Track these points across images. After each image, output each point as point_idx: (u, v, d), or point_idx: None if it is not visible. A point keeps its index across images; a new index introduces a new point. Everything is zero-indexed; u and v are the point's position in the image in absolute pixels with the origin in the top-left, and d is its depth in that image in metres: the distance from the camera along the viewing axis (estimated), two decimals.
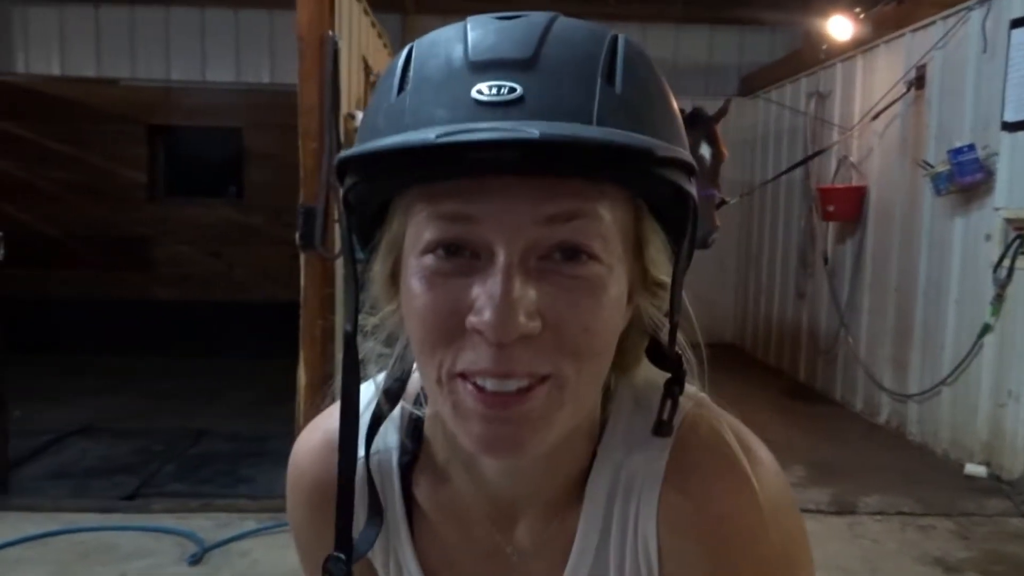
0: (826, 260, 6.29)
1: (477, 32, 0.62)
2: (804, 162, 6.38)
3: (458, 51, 0.60)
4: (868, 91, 5.79)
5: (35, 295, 7.13)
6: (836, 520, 3.89)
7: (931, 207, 4.97)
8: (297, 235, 3.57)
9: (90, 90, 7.69)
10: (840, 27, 5.98)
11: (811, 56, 6.64)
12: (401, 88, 0.62)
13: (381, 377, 0.75)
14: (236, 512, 3.71)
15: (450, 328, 0.59)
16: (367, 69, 4.73)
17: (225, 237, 7.86)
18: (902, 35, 5.34)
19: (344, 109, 3.90)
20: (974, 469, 4.40)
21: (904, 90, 5.22)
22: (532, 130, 0.53)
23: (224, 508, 3.74)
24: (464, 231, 0.59)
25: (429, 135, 0.54)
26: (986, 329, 4.39)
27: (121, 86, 7.80)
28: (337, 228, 3.75)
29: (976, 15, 4.55)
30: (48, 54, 8.00)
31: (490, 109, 0.57)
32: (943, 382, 4.77)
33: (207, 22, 8.00)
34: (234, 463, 4.46)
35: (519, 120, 0.55)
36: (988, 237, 4.44)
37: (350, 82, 4.17)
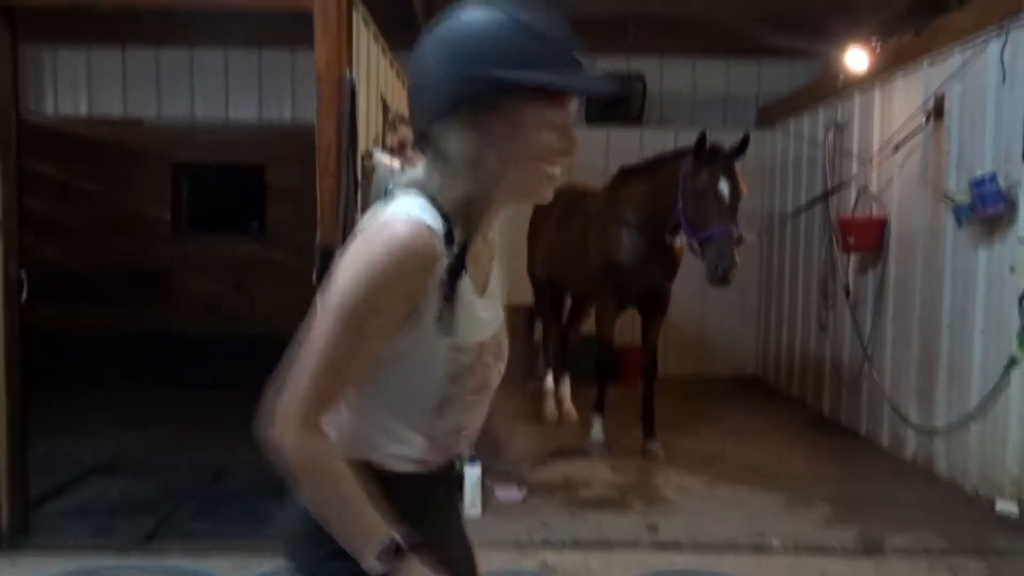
0: (848, 292, 6.23)
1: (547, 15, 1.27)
2: (822, 198, 6.35)
3: (557, 28, 1.25)
4: (886, 121, 5.77)
5: (61, 329, 7.23)
6: (863, 561, 3.81)
7: (953, 238, 4.91)
8: (315, 275, 3.59)
9: (116, 130, 7.86)
10: (857, 59, 5.98)
11: (828, 87, 6.64)
12: (536, 37, 1.23)
13: (417, 197, 1.29)
14: (253, 552, 3.69)
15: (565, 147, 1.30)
16: (385, 107, 4.79)
17: (247, 271, 7.93)
18: (919, 66, 5.33)
19: (362, 148, 3.94)
20: (1005, 506, 4.30)
21: (923, 120, 5.19)
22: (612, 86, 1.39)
23: (242, 548, 3.74)
24: (567, 122, 1.28)
25: (591, 81, 1.31)
26: (1012, 362, 4.31)
27: (146, 125, 7.97)
28: None
29: (994, 46, 4.53)
30: (76, 95, 8.19)
31: (582, 68, 1.26)
32: (971, 416, 4.68)
33: (230, 62, 8.16)
34: (253, 501, 4.45)
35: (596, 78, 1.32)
36: (1012, 269, 4.37)
37: (368, 121, 4.22)
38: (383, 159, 4.18)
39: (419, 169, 1.35)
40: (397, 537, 1.23)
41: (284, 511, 1.38)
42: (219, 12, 5.71)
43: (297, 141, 6.13)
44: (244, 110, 8.17)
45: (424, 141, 1.30)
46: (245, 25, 6.48)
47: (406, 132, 4.93)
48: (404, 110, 5.29)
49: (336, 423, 1.32)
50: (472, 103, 1.22)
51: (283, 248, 7.59)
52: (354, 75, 3.76)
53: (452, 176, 1.28)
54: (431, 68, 1.25)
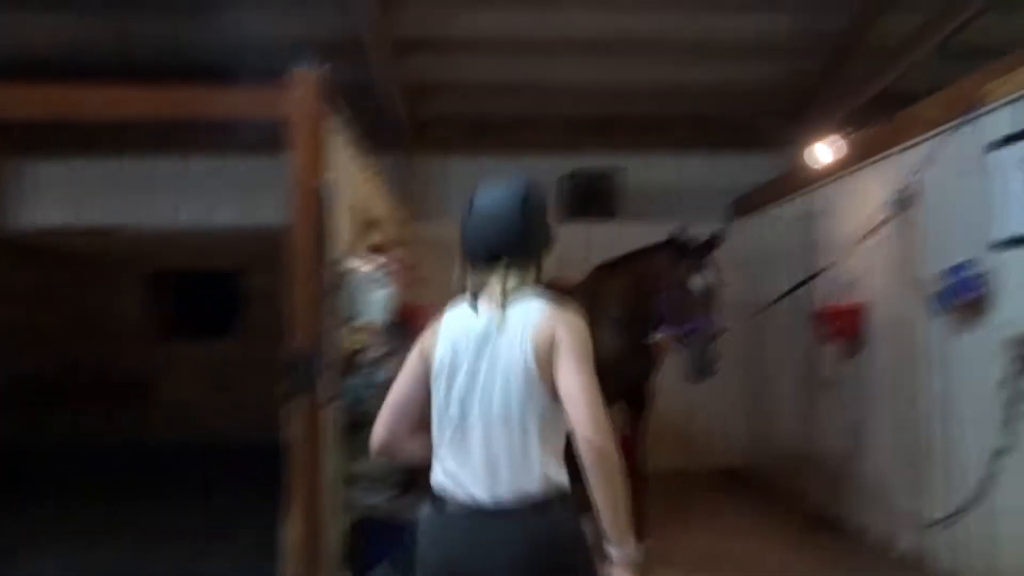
0: (831, 381, 6.17)
1: None
2: (799, 287, 6.38)
3: None
4: (860, 210, 5.85)
5: (34, 438, 7.07)
6: None
7: (933, 325, 4.90)
8: (282, 385, 3.50)
9: (96, 239, 7.89)
10: (828, 149, 6.12)
11: (802, 177, 6.76)
12: None
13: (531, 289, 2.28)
14: None
15: None
16: (361, 212, 4.81)
17: (227, 376, 7.84)
18: (890, 155, 5.44)
19: (336, 253, 3.93)
20: None
21: (896, 209, 5.26)
22: None
23: None
24: None
25: None
26: (1002, 450, 4.24)
27: (126, 234, 7.99)
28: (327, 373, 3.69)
29: (959, 137, 4.63)
30: (59, 204, 8.22)
31: None
32: (967, 507, 4.56)
33: (211, 169, 8.24)
34: None
35: None
36: (994, 355, 4.35)
37: (343, 226, 4.22)
38: (357, 264, 4.17)
39: (526, 277, 2.26)
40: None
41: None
42: (201, 123, 5.81)
43: (276, 246, 6.15)
44: (224, 215, 8.21)
45: (530, 258, 2.27)
46: (226, 133, 6.60)
47: (380, 237, 4.94)
48: (380, 214, 5.32)
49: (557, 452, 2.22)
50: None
51: (263, 351, 7.51)
52: (330, 181, 3.78)
53: (537, 280, 2.28)
54: (540, 218, 2.28)
